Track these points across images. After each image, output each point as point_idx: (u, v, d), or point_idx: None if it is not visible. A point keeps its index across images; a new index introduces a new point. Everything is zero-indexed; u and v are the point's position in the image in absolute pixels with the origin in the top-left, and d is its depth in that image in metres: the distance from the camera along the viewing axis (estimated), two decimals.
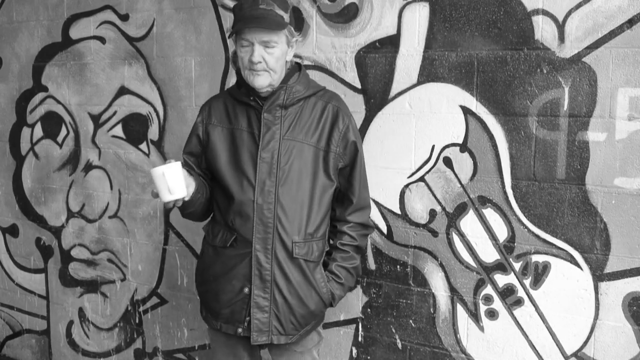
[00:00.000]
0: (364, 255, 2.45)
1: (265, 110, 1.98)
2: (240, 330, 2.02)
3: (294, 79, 2.00)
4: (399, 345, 2.47)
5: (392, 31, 2.35)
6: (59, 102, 3.32)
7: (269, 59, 1.90)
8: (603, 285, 2.08)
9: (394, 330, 2.47)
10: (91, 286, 3.33)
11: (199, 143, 2.09)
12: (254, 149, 1.98)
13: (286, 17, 1.92)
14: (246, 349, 2.12)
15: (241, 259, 1.99)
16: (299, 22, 2.50)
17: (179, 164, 1.85)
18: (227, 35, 1.96)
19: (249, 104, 2.01)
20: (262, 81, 1.92)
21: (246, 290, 1.99)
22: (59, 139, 3.34)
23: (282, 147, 1.97)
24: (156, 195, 1.87)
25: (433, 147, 2.32)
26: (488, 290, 2.27)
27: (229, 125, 2.04)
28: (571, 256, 2.12)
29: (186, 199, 1.90)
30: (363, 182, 2.10)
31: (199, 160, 2.10)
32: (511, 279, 2.23)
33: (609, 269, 2.07)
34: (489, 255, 2.26)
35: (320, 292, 2.04)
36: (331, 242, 2.11)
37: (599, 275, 2.08)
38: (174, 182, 1.83)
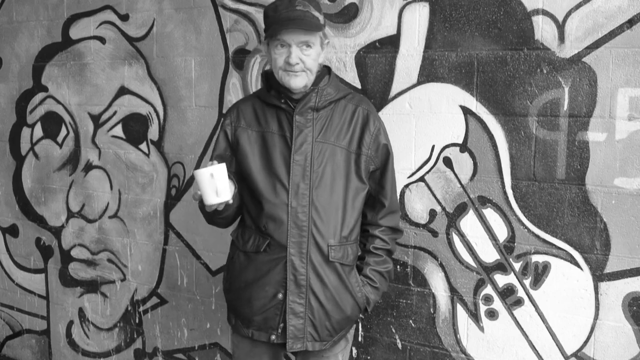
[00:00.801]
0: None
1: (297, 112, 1.95)
2: (273, 337, 1.98)
3: (325, 81, 1.99)
4: (399, 345, 2.47)
5: (392, 31, 2.35)
6: (59, 102, 3.32)
7: (307, 60, 1.89)
8: (603, 285, 2.08)
9: (394, 330, 2.47)
10: (91, 286, 3.33)
11: (228, 145, 2.06)
12: (287, 152, 1.95)
13: (321, 18, 1.92)
14: (271, 358, 2.10)
15: (275, 264, 1.95)
16: None
17: (224, 165, 1.82)
18: (263, 38, 1.95)
19: (279, 107, 1.98)
20: (300, 82, 1.91)
21: (280, 296, 1.95)
22: (59, 139, 3.34)
23: (315, 150, 1.95)
24: (199, 198, 1.84)
25: (433, 147, 2.32)
26: (488, 290, 2.27)
27: (259, 128, 2.01)
28: (571, 256, 2.12)
29: (230, 201, 1.87)
30: (394, 186, 2.09)
31: (229, 164, 2.04)
32: (511, 279, 2.23)
33: (609, 269, 2.07)
34: (489, 255, 2.26)
35: (355, 297, 2.01)
36: (363, 246, 2.09)
37: (599, 275, 2.08)
38: (222, 183, 1.80)
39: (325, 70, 2.04)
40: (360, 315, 2.11)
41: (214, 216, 2.01)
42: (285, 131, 1.97)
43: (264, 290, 1.97)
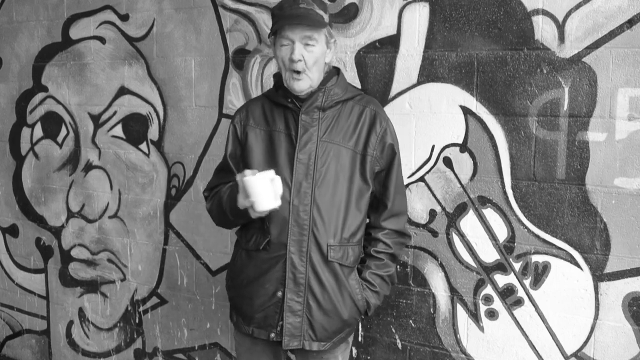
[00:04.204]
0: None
1: (303, 112, 1.97)
2: (272, 335, 1.99)
3: (332, 81, 2.00)
4: (399, 345, 2.47)
5: (392, 31, 2.35)
6: (59, 102, 3.32)
7: (309, 58, 1.90)
8: (603, 285, 2.08)
9: (394, 330, 2.47)
10: (91, 286, 3.33)
11: (239, 144, 2.08)
12: (291, 151, 1.97)
13: (326, 17, 1.93)
14: (272, 356, 2.10)
15: (275, 261, 1.96)
16: None
17: (273, 171, 1.86)
18: (267, 35, 1.99)
19: (286, 106, 2.00)
20: (303, 85, 1.93)
21: (279, 294, 1.96)
22: (59, 139, 3.34)
23: (319, 149, 1.96)
24: (251, 204, 1.84)
25: (433, 147, 2.32)
26: (488, 290, 2.27)
27: (267, 127, 2.03)
28: (571, 256, 2.12)
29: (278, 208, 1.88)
30: (399, 187, 2.08)
31: (239, 163, 2.08)
32: (511, 279, 2.23)
33: (609, 269, 2.07)
34: (489, 255, 2.26)
35: (355, 299, 2.01)
36: (365, 249, 2.09)
37: (599, 275, 2.08)
38: (279, 188, 1.84)
39: (334, 71, 2.04)
40: (362, 317, 2.10)
41: (236, 218, 2.01)
42: (291, 130, 1.99)
43: (264, 288, 1.98)
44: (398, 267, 2.43)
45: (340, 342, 2.06)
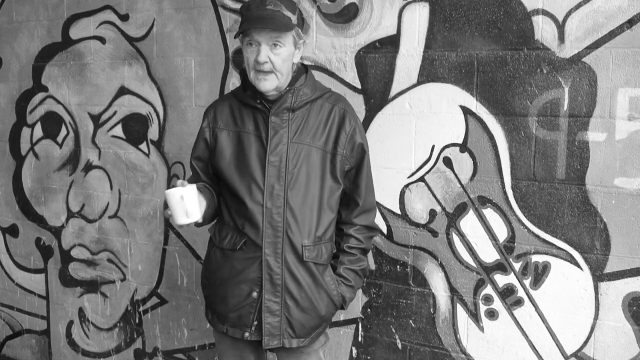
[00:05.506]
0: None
1: (273, 113, 1.96)
2: (247, 334, 2.00)
3: (301, 81, 1.99)
4: (399, 345, 2.47)
5: (392, 31, 2.35)
6: (59, 102, 3.32)
7: (276, 60, 1.88)
8: (603, 285, 2.08)
9: (394, 330, 2.47)
10: (91, 286, 3.33)
11: (206, 147, 2.07)
12: (262, 153, 1.96)
13: (294, 18, 1.91)
14: (253, 352, 2.11)
15: (251, 262, 1.97)
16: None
17: (194, 187, 1.84)
18: (233, 36, 1.97)
19: (255, 107, 1.99)
20: (269, 85, 1.91)
21: (254, 294, 1.97)
22: (59, 139, 3.34)
23: (290, 151, 1.95)
24: (169, 216, 1.85)
25: (433, 147, 2.32)
26: (488, 290, 2.27)
27: (236, 128, 2.02)
28: (571, 256, 2.12)
29: (199, 221, 1.88)
30: (369, 185, 2.09)
31: (207, 165, 2.08)
32: (511, 279, 2.23)
33: (609, 269, 2.07)
34: (489, 255, 2.26)
35: (331, 295, 2.03)
36: (338, 245, 2.09)
37: (599, 275, 2.08)
38: (192, 205, 1.82)
39: (302, 70, 2.03)
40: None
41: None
42: (261, 132, 1.97)
43: (239, 288, 1.99)
44: (398, 267, 2.43)
45: (317, 336, 2.08)
